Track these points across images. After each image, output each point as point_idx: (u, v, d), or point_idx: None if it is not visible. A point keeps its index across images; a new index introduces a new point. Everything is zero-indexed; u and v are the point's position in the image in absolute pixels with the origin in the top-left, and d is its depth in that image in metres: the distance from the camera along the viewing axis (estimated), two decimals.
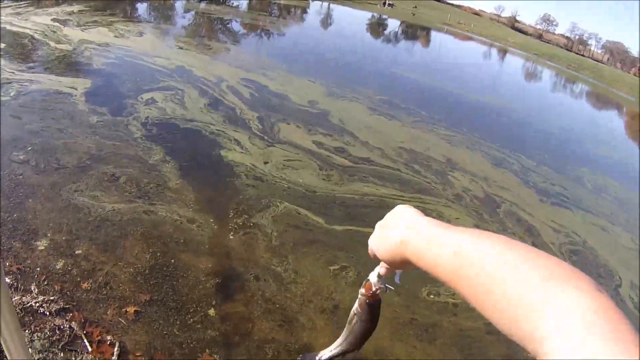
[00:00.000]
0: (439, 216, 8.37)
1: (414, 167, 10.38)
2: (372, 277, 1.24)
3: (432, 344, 5.54)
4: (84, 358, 3.91)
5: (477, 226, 8.49)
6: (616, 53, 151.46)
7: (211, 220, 6.30)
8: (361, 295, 1.27)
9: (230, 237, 6.14)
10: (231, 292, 5.26)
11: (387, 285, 1.23)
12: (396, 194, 8.73)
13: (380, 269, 1.23)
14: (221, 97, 11.46)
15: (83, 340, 4.05)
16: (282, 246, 6.28)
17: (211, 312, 4.87)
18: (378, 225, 1.15)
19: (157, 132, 8.56)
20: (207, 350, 4.43)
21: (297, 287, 5.66)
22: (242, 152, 8.67)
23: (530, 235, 8.97)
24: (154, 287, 4.91)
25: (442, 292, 6.44)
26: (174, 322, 4.60)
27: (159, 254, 5.36)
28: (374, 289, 1.24)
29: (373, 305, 1.26)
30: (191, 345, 4.44)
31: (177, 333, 4.50)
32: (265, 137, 9.64)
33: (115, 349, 4.08)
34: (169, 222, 6.01)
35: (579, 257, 9.03)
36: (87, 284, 4.63)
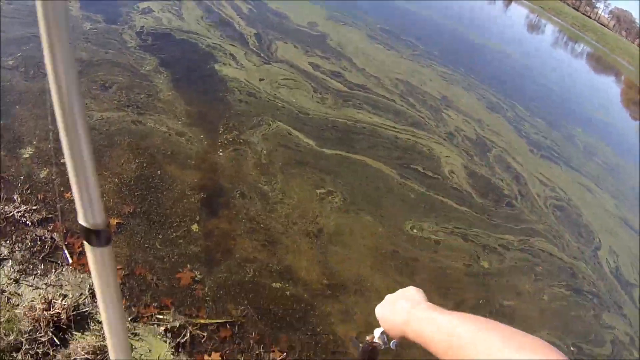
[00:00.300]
0: (430, 152, 8.40)
1: (409, 99, 10.23)
2: (377, 332, 1.41)
3: (411, 279, 5.60)
4: (64, 270, 3.88)
5: (465, 167, 8.56)
6: (623, 21, 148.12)
7: (201, 134, 6.19)
8: (367, 339, 1.44)
9: (219, 152, 6.05)
10: (216, 208, 5.22)
11: (385, 344, 1.39)
12: (389, 124, 8.62)
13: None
14: (219, 10, 11.01)
15: (64, 251, 4.00)
16: (271, 165, 6.22)
17: (194, 227, 4.85)
18: (388, 298, 1.35)
19: (151, 42, 8.21)
20: (188, 266, 4.44)
21: (282, 207, 5.64)
22: (237, 68, 8.41)
23: (517, 184, 9.04)
24: (138, 199, 4.84)
25: (425, 228, 6.49)
26: (156, 235, 4.58)
27: (145, 165, 5.27)
28: (374, 341, 1.41)
29: (371, 352, 1.42)
30: (172, 259, 4.44)
31: (158, 247, 4.48)
32: (262, 54, 9.35)
33: None
34: (158, 133, 5.88)
35: (562, 213, 9.14)
36: (71, 193, 4.50)
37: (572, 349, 6.02)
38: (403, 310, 1.21)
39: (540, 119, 13.54)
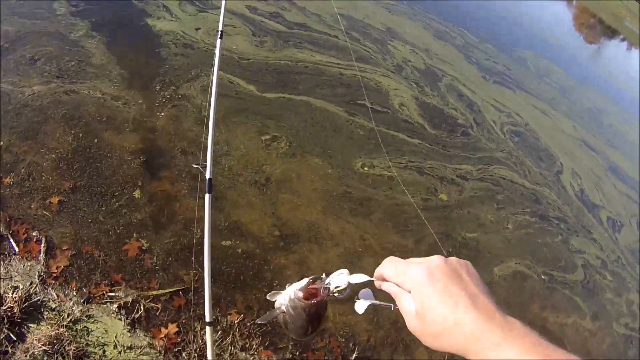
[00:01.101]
0: (377, 86, 8.09)
1: (352, 34, 9.73)
2: (337, 280, 1.08)
3: (366, 219, 5.49)
4: (12, 260, 3.71)
5: (416, 98, 8.28)
6: None
7: (136, 95, 5.78)
8: (297, 299, 1.11)
9: (157, 112, 5.67)
10: (157, 170, 4.95)
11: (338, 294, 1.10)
12: (333, 61, 8.18)
13: (354, 278, 1.09)
14: None
15: (9, 240, 3.82)
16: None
17: (137, 193, 4.63)
18: (421, 268, 0.89)
19: (82, 7, 7.39)
20: (134, 235, 4.25)
21: (226, 160, 5.39)
22: (171, 20, 7.76)
23: (471, 112, 8.86)
24: (77, 173, 4.55)
25: (376, 165, 6.30)
26: (99, 208, 4.35)
27: (81, 135, 4.92)
28: (323, 292, 1.10)
29: (314, 313, 1.13)
30: (117, 231, 4.24)
31: (102, 220, 4.27)
32: (197, 3, 8.61)
33: (42, 245, 3.87)
34: (92, 101, 5.46)
35: (520, 138, 9.05)
36: (9, 178, 4.25)
37: (543, 277, 6.08)
38: (472, 329, 0.79)
39: (489, 45, 13.16)
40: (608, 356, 5.79)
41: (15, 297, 3.40)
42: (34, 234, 3.97)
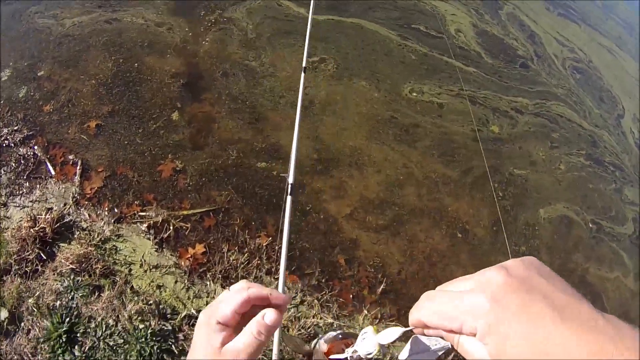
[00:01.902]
0: (433, 11, 7.35)
1: None
2: (365, 346, 0.85)
3: (411, 146, 5.13)
4: (47, 183, 3.74)
5: (474, 25, 7.59)
6: None
7: (180, 20, 5.56)
8: (321, 351, 0.97)
9: (201, 36, 5.43)
10: (198, 92, 4.77)
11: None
12: None
13: (388, 336, 0.82)
14: None
15: (47, 164, 3.84)
16: (258, 39, 5.58)
17: (175, 115, 4.48)
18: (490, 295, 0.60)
19: None
20: (169, 156, 4.12)
21: (269, 81, 5.12)
22: None
23: (532, 44, 8.07)
24: (116, 97, 4.46)
25: (426, 91, 5.85)
26: (135, 130, 4.25)
27: (121, 61, 4.79)
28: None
29: None
30: (153, 152, 4.13)
31: (139, 142, 4.16)
32: None
33: (77, 167, 3.84)
34: (134, 27, 5.32)
35: (582, 75, 8.25)
36: (49, 105, 4.24)
37: (590, 225, 5.66)
38: (573, 353, 0.54)
39: None
40: None
41: (48, 219, 3.42)
42: (71, 157, 3.94)
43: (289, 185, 2.67)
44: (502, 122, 6.08)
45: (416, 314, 0.69)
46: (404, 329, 0.78)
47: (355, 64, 5.81)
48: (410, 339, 0.79)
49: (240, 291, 0.82)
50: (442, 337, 0.68)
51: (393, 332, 0.81)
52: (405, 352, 0.80)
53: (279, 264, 3.70)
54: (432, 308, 0.67)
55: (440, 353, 0.79)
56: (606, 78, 8.70)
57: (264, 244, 3.74)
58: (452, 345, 0.67)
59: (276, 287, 2.28)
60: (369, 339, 0.83)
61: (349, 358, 0.86)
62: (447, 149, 5.28)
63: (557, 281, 0.62)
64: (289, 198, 2.56)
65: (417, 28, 6.83)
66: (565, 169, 6.08)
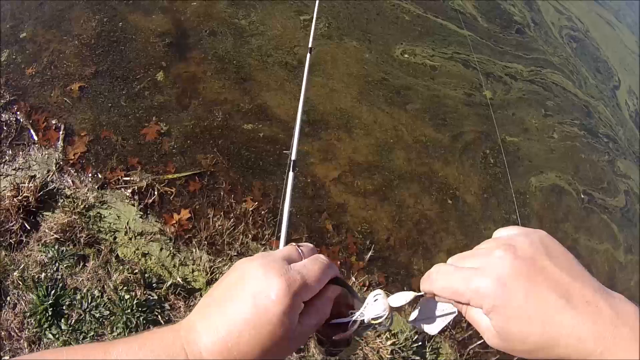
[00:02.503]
0: None
1: None
2: (374, 308, 0.80)
3: (402, 109, 5.02)
4: (30, 149, 3.62)
5: None
6: None
7: None
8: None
9: None
10: (183, 52, 4.60)
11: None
12: None
13: (399, 299, 0.80)
14: None
15: (29, 130, 3.71)
16: None
17: (160, 76, 4.32)
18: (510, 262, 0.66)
19: None
20: (154, 118, 4.00)
21: (257, 39, 4.95)
22: None
23: (530, 10, 7.87)
24: (99, 58, 4.27)
25: (418, 52, 5.68)
26: (119, 92, 4.11)
27: (105, 20, 4.58)
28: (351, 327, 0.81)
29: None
30: (137, 115, 4.00)
31: (123, 104, 4.03)
32: None
33: (60, 132, 3.72)
34: None
35: (579, 45, 8.09)
36: (32, 68, 4.06)
37: (582, 196, 5.60)
38: (575, 337, 0.61)
39: None
40: (631, 292, 5.20)
41: (31, 187, 3.32)
42: (54, 122, 3.80)
43: (292, 162, 2.60)
44: (496, 87, 5.98)
45: (427, 285, 0.76)
46: (416, 294, 0.80)
47: (347, 23, 5.62)
48: (420, 302, 0.81)
49: (330, 272, 0.78)
50: (451, 304, 0.76)
51: (405, 296, 0.80)
52: (415, 313, 0.82)
53: (265, 230, 3.67)
54: (442, 283, 0.73)
55: (449, 319, 0.80)
56: (603, 49, 8.59)
57: (250, 209, 3.67)
58: (459, 312, 0.76)
59: None
60: (380, 302, 0.80)
61: (351, 323, 0.81)
62: (438, 112, 5.18)
63: (563, 260, 0.67)
64: (290, 175, 2.50)
65: None
66: (558, 138, 6.02)
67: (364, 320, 0.80)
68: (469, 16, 6.79)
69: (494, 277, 0.65)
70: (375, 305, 0.80)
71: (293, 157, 2.61)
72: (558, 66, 7.12)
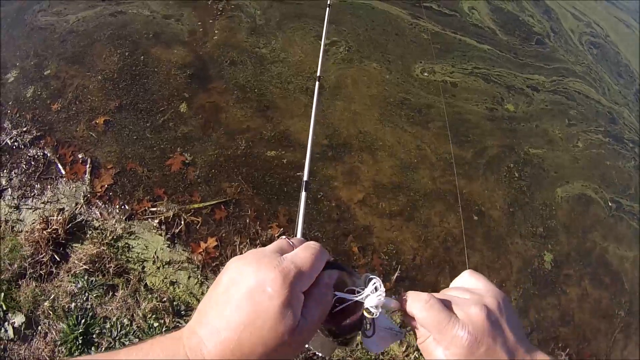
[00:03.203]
0: None
1: None
2: (373, 299, 0.79)
3: (424, 128, 5.02)
4: (58, 183, 3.74)
5: (488, 2, 7.29)
6: None
7: (185, 10, 5.45)
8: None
9: (208, 24, 5.33)
10: (205, 82, 4.70)
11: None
12: None
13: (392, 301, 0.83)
14: None
15: (57, 164, 3.83)
16: (267, 25, 5.47)
17: (183, 107, 4.43)
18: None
19: None
20: (178, 149, 4.09)
21: (275, 67, 5.03)
22: None
23: (548, 19, 7.83)
24: (123, 91, 4.42)
25: (438, 70, 5.69)
26: (144, 125, 4.22)
27: (127, 54, 4.75)
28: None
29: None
30: (162, 146, 4.10)
31: (148, 136, 4.14)
32: None
33: (87, 166, 3.84)
34: (139, 19, 5.24)
35: (599, 50, 7.97)
36: (57, 104, 4.23)
37: (610, 204, 5.51)
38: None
39: None
40: None
41: (60, 219, 3.41)
42: (80, 155, 3.91)
43: (304, 183, 2.64)
44: (518, 100, 5.94)
45: (409, 306, 0.81)
46: (398, 306, 0.83)
47: (366, 45, 5.68)
48: (377, 319, 0.81)
49: (323, 257, 0.78)
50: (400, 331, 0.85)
51: (391, 302, 0.82)
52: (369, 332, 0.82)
53: None
54: (425, 314, 0.78)
55: (397, 338, 0.85)
56: (624, 53, 8.43)
57: (276, 235, 3.71)
58: (405, 335, 0.85)
59: None
60: (378, 295, 0.79)
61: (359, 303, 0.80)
62: (461, 129, 5.17)
63: (513, 322, 0.80)
64: (303, 194, 2.54)
65: (429, 6, 6.65)
66: (583, 147, 5.94)
67: (367, 307, 0.79)
68: (487, 30, 6.78)
69: (470, 335, 0.75)
70: (373, 298, 0.79)
71: (305, 177, 2.65)
72: (580, 74, 7.04)
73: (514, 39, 6.88)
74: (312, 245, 0.78)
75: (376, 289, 0.79)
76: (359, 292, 0.80)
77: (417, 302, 0.80)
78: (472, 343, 0.74)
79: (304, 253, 0.75)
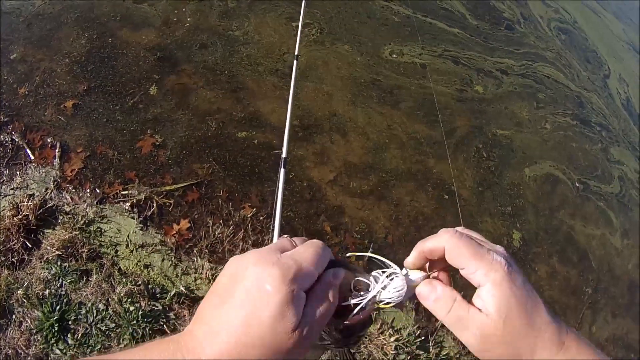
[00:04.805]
0: None
1: None
2: (389, 293, 0.77)
3: (395, 108, 5.09)
4: (27, 169, 3.67)
5: None
6: None
7: None
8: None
9: (180, 7, 5.24)
10: (175, 65, 4.66)
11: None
12: None
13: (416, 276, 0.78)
14: None
15: (25, 149, 3.76)
16: (238, 7, 5.44)
17: (152, 89, 4.38)
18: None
19: None
20: (148, 132, 4.06)
21: (245, 48, 5.02)
22: None
23: (518, 5, 8.00)
24: (91, 74, 4.34)
25: (406, 52, 5.76)
26: (113, 107, 4.16)
27: (95, 37, 4.66)
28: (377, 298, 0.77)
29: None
30: (132, 128, 4.06)
31: (118, 118, 4.09)
32: None
33: (56, 150, 3.77)
34: (107, 2, 5.12)
35: (568, 36, 8.22)
36: (24, 88, 4.13)
37: (577, 185, 5.61)
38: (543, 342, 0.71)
39: None
40: (630, 276, 5.30)
41: (31, 205, 3.36)
42: (49, 140, 3.85)
43: (283, 159, 2.68)
44: (487, 82, 6.05)
45: (436, 242, 0.76)
46: (426, 274, 0.79)
47: (338, 28, 5.70)
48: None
49: (325, 254, 0.76)
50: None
51: (416, 275, 0.79)
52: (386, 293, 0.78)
53: (264, 236, 3.73)
54: (458, 244, 0.73)
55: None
56: (591, 39, 8.70)
57: (249, 215, 3.72)
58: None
59: None
60: (397, 285, 0.77)
61: (366, 302, 0.77)
62: (431, 109, 5.23)
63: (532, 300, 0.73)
64: (282, 171, 2.58)
65: None
66: (551, 129, 6.09)
67: (375, 297, 0.76)
68: (457, 14, 6.87)
69: (507, 258, 0.72)
70: (391, 291, 0.77)
71: (284, 154, 2.69)
72: (550, 60, 7.22)
73: (484, 24, 6.99)
74: (314, 242, 0.76)
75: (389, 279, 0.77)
76: (358, 292, 0.77)
77: (445, 233, 0.76)
78: (510, 270, 0.71)
79: (304, 249, 0.73)
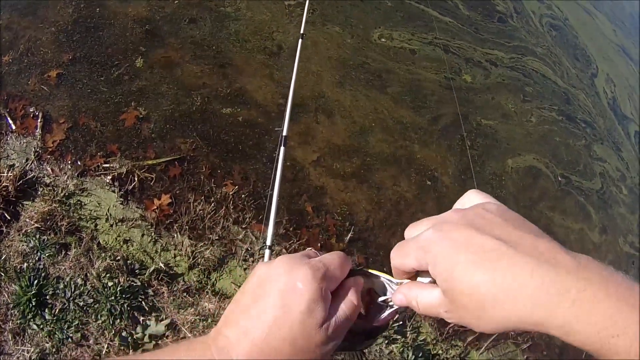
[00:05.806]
0: None
1: None
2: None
3: (382, 92, 5.08)
4: (8, 138, 3.58)
5: None
6: None
7: None
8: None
9: None
10: (163, 38, 4.58)
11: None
12: None
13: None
14: None
15: (6, 118, 3.66)
16: None
17: (139, 62, 4.30)
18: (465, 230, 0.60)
19: None
20: (132, 104, 3.99)
21: (234, 24, 4.97)
22: None
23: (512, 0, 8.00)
24: (77, 44, 4.24)
25: (395, 37, 5.75)
26: (98, 78, 4.07)
27: (82, 6, 4.54)
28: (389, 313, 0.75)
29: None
30: (116, 100, 3.98)
31: (102, 90, 4.01)
32: None
33: (38, 120, 3.68)
34: None
35: (558, 33, 8.24)
36: (8, 56, 4.02)
37: (560, 179, 5.67)
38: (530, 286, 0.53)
39: None
40: None
41: (10, 176, 3.28)
42: (31, 110, 3.77)
43: (283, 137, 2.68)
44: (475, 72, 6.06)
45: (392, 260, 0.71)
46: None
47: (331, 9, 5.66)
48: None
49: (347, 262, 0.75)
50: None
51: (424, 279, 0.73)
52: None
53: (246, 214, 3.72)
54: (396, 251, 0.69)
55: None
56: (581, 38, 8.77)
57: (230, 193, 3.70)
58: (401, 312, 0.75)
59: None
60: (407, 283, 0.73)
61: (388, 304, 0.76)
62: (418, 95, 5.25)
63: (517, 221, 0.62)
64: (282, 149, 2.58)
65: None
66: (536, 122, 6.13)
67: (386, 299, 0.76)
68: (450, 4, 6.86)
69: (438, 230, 0.62)
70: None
71: (284, 132, 2.69)
72: (539, 55, 7.26)
73: (476, 15, 7.00)
74: (338, 252, 0.77)
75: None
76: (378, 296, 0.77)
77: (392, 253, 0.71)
78: (444, 239, 0.60)
79: (330, 256, 0.74)
